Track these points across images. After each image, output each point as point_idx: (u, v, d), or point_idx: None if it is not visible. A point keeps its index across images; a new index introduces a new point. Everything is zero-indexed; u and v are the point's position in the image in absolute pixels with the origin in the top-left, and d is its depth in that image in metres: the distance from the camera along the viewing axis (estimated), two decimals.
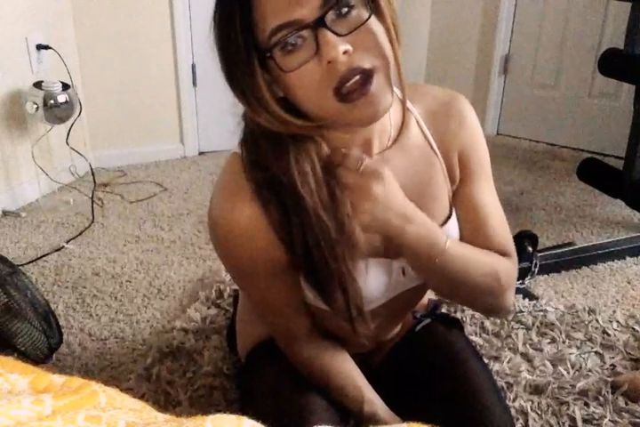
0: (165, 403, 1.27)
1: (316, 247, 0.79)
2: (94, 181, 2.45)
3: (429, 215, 0.84)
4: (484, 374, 0.99)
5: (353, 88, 0.69)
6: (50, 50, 2.26)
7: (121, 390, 0.48)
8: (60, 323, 1.51)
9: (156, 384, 1.32)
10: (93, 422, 0.39)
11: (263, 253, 0.83)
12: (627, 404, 1.28)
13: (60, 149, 2.40)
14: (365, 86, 0.70)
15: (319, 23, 0.67)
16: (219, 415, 0.43)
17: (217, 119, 2.86)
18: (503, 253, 0.92)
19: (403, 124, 0.86)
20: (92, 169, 2.47)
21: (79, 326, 1.57)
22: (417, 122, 0.88)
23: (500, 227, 0.93)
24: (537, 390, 1.31)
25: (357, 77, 0.69)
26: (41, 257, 1.92)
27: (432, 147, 0.89)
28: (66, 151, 2.40)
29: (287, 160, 0.77)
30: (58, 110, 2.20)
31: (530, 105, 3.12)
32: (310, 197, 0.77)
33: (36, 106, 2.15)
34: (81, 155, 2.44)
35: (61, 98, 2.19)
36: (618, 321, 1.57)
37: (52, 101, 2.17)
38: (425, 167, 0.88)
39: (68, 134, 2.33)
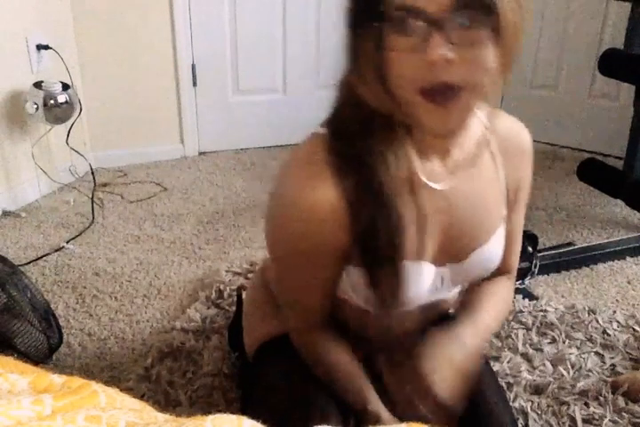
0: (165, 403, 1.27)
1: (383, 230, 0.80)
2: (94, 181, 2.45)
3: (480, 232, 0.90)
4: (487, 375, 1.00)
5: (437, 96, 0.71)
6: (50, 50, 2.25)
7: (121, 390, 0.48)
8: (60, 323, 1.51)
9: (156, 384, 1.32)
10: (93, 422, 0.39)
11: (330, 235, 0.83)
12: (627, 404, 1.28)
13: (60, 149, 2.40)
14: (449, 100, 0.71)
15: (439, 24, 0.67)
16: (219, 415, 0.43)
17: (217, 119, 2.86)
18: (508, 271, 1.01)
19: (481, 145, 0.88)
20: (91, 169, 2.47)
21: (79, 326, 1.57)
22: (490, 142, 0.90)
23: (518, 249, 1.01)
24: (537, 390, 1.31)
25: (447, 91, 0.70)
26: (41, 257, 1.92)
27: (498, 170, 0.91)
28: (66, 151, 2.40)
29: (373, 144, 0.78)
30: (58, 110, 2.20)
31: (530, 105, 3.12)
32: (388, 187, 0.78)
33: (35, 106, 2.14)
34: (81, 155, 2.44)
35: (61, 98, 2.19)
36: (618, 321, 1.57)
37: (51, 101, 2.17)
38: (489, 188, 0.91)
39: (68, 134, 2.33)
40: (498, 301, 0.99)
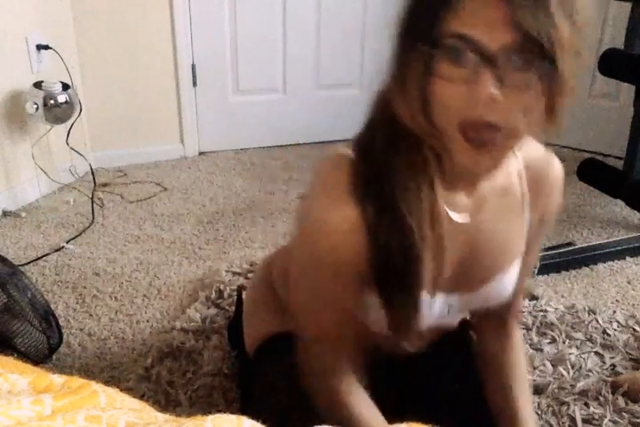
0: (165, 403, 1.27)
1: (399, 259, 0.78)
2: (94, 181, 2.45)
3: (496, 265, 0.89)
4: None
5: (476, 134, 0.69)
6: (50, 50, 2.25)
7: (121, 390, 0.48)
8: (60, 323, 1.51)
9: (156, 384, 1.32)
10: (93, 422, 0.39)
11: (349, 257, 0.80)
12: (627, 404, 1.28)
13: (60, 149, 2.40)
14: (486, 141, 0.69)
15: (494, 61, 0.64)
16: (219, 415, 0.43)
17: (217, 119, 2.86)
18: (517, 314, 1.03)
19: (510, 178, 0.87)
20: (92, 169, 2.47)
21: (79, 326, 1.57)
22: (519, 175, 0.88)
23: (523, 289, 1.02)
24: (537, 390, 1.31)
25: (487, 132, 0.68)
26: (41, 257, 1.92)
27: (523, 203, 0.89)
28: (66, 151, 2.40)
29: (399, 168, 0.76)
30: (58, 110, 2.20)
31: None
32: (408, 215, 0.76)
33: (35, 106, 2.14)
34: (81, 155, 2.44)
35: (61, 98, 2.19)
36: (618, 321, 1.57)
37: (52, 101, 2.17)
38: (512, 221, 0.89)
39: (68, 134, 2.33)
40: (523, 377, 1.00)
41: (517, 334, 1.04)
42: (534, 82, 0.66)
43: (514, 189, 0.87)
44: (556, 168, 0.90)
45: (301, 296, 0.90)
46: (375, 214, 0.77)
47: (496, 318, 1.01)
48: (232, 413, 0.45)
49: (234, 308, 1.43)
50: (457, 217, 0.82)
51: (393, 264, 0.78)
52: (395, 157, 0.76)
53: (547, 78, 0.66)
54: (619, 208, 2.28)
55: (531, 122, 0.69)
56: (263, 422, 0.45)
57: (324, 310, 0.87)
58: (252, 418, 0.44)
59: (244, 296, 1.32)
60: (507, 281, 0.91)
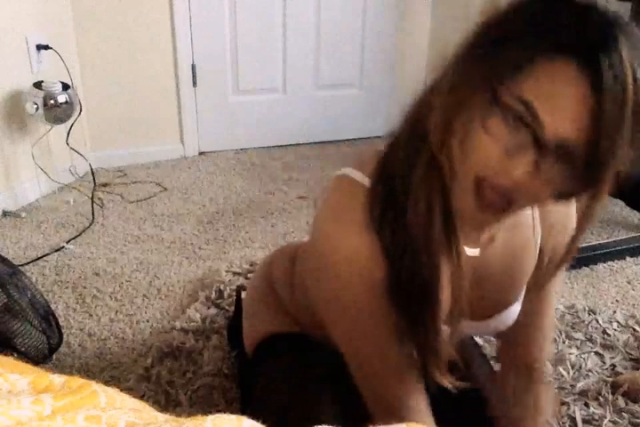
0: (165, 403, 1.27)
1: (418, 288, 0.75)
2: (94, 181, 2.45)
3: (507, 296, 0.87)
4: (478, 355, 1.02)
5: (488, 192, 0.66)
6: (50, 50, 2.25)
7: (121, 390, 0.48)
8: (60, 323, 1.51)
9: (156, 384, 1.32)
10: (93, 422, 0.39)
11: (371, 283, 0.77)
12: (627, 404, 1.28)
13: (60, 149, 2.40)
14: (496, 207, 0.67)
15: (545, 147, 0.61)
16: (219, 415, 0.43)
17: (217, 119, 2.87)
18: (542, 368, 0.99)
19: (523, 213, 0.85)
20: (91, 169, 2.48)
21: (79, 326, 1.57)
22: (531, 208, 0.86)
23: (550, 335, 1.01)
24: None
25: (500, 196, 0.66)
26: (41, 257, 1.92)
27: (534, 233, 0.88)
28: (66, 151, 2.40)
29: (417, 197, 0.72)
30: (58, 110, 2.20)
31: None
32: (424, 245, 0.73)
33: (35, 106, 2.14)
34: (81, 155, 2.44)
35: (61, 98, 2.19)
36: (618, 321, 1.57)
37: (52, 101, 2.17)
38: (523, 253, 0.88)
39: (68, 134, 2.33)
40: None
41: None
42: (571, 176, 0.63)
43: (525, 222, 0.86)
44: (570, 204, 0.87)
45: (344, 330, 0.84)
46: (391, 244, 0.74)
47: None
48: (232, 413, 0.45)
49: (234, 308, 1.43)
50: (469, 251, 0.81)
51: (411, 294, 0.76)
52: (415, 187, 0.72)
53: (586, 181, 0.63)
54: (619, 208, 2.28)
55: (554, 199, 0.67)
56: (263, 422, 0.45)
57: (371, 337, 0.82)
58: (252, 418, 0.43)
59: (243, 296, 1.32)
60: (515, 310, 0.91)
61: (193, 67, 2.72)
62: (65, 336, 1.50)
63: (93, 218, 2.20)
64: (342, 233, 0.76)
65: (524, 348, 0.99)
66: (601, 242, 1.99)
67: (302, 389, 0.94)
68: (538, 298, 0.93)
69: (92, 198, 2.33)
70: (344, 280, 0.78)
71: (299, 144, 3.00)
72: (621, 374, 1.37)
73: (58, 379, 0.46)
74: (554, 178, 0.63)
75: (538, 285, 0.90)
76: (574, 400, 1.27)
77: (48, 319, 1.46)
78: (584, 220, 0.69)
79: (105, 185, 2.50)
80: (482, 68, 0.64)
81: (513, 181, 0.63)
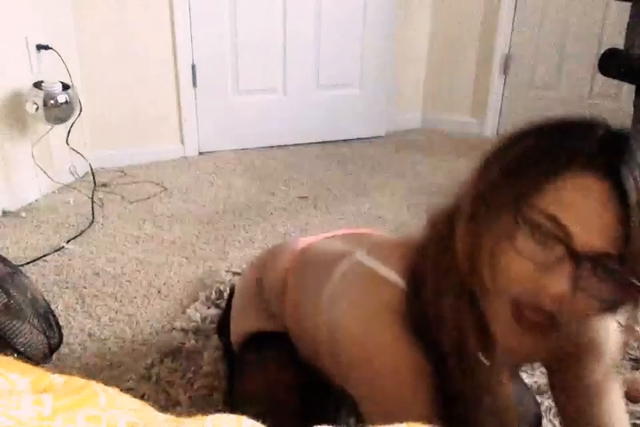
0: (165, 403, 1.27)
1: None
2: (94, 181, 2.45)
3: None
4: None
5: (531, 324, 0.65)
6: (50, 50, 2.25)
7: (121, 390, 0.48)
8: (60, 323, 1.51)
9: (156, 384, 1.32)
10: (93, 422, 0.39)
11: (421, 386, 0.75)
12: (627, 404, 1.27)
13: (60, 149, 2.40)
14: (535, 329, 0.65)
15: (581, 259, 0.59)
16: (218, 415, 0.43)
17: (217, 119, 2.87)
18: None
19: None
20: (92, 169, 2.48)
21: (79, 326, 1.57)
22: None
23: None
24: (538, 390, 1.31)
25: (540, 315, 0.64)
26: (41, 257, 1.92)
27: None
28: (66, 151, 2.40)
29: (451, 320, 0.70)
30: (58, 110, 2.20)
31: (530, 105, 3.12)
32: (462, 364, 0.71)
33: (35, 106, 2.15)
34: (81, 155, 2.44)
35: (61, 98, 2.19)
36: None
37: (52, 101, 2.17)
38: None
39: (68, 134, 2.33)
40: None
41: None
42: (612, 285, 0.61)
43: None
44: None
45: (373, 396, 0.79)
46: (433, 356, 0.72)
47: None
48: (232, 413, 0.45)
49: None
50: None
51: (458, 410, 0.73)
52: (445, 316, 0.70)
53: (629, 287, 0.61)
54: None
55: (600, 312, 0.65)
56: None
57: (406, 409, 0.77)
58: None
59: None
60: None
61: (193, 67, 2.72)
62: (65, 336, 1.50)
63: (93, 218, 2.20)
64: (379, 338, 0.73)
65: None
66: None
67: (294, 381, 0.96)
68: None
69: (92, 198, 2.33)
70: (388, 378, 0.74)
71: (299, 144, 3.00)
72: (621, 374, 1.37)
73: (58, 379, 0.46)
74: (594, 289, 0.61)
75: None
76: None
77: (48, 319, 1.46)
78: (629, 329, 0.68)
79: (105, 185, 2.50)
80: (503, 192, 0.64)
81: (551, 297, 0.61)
